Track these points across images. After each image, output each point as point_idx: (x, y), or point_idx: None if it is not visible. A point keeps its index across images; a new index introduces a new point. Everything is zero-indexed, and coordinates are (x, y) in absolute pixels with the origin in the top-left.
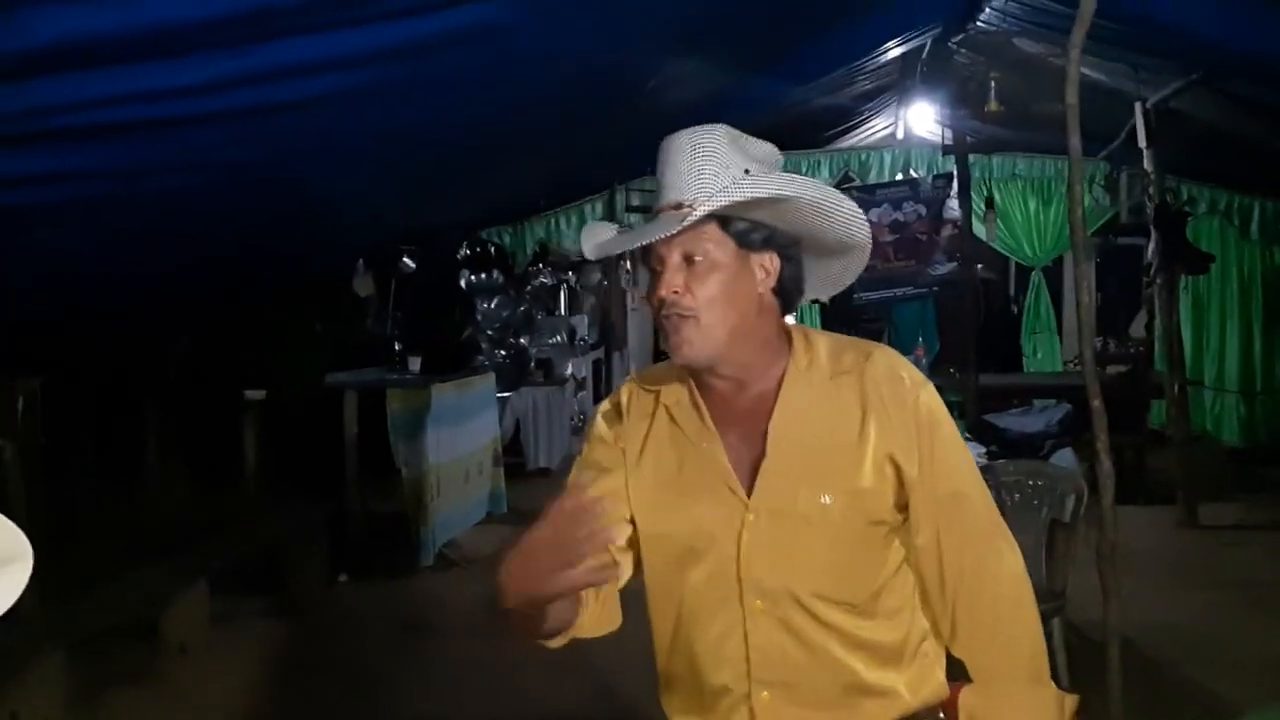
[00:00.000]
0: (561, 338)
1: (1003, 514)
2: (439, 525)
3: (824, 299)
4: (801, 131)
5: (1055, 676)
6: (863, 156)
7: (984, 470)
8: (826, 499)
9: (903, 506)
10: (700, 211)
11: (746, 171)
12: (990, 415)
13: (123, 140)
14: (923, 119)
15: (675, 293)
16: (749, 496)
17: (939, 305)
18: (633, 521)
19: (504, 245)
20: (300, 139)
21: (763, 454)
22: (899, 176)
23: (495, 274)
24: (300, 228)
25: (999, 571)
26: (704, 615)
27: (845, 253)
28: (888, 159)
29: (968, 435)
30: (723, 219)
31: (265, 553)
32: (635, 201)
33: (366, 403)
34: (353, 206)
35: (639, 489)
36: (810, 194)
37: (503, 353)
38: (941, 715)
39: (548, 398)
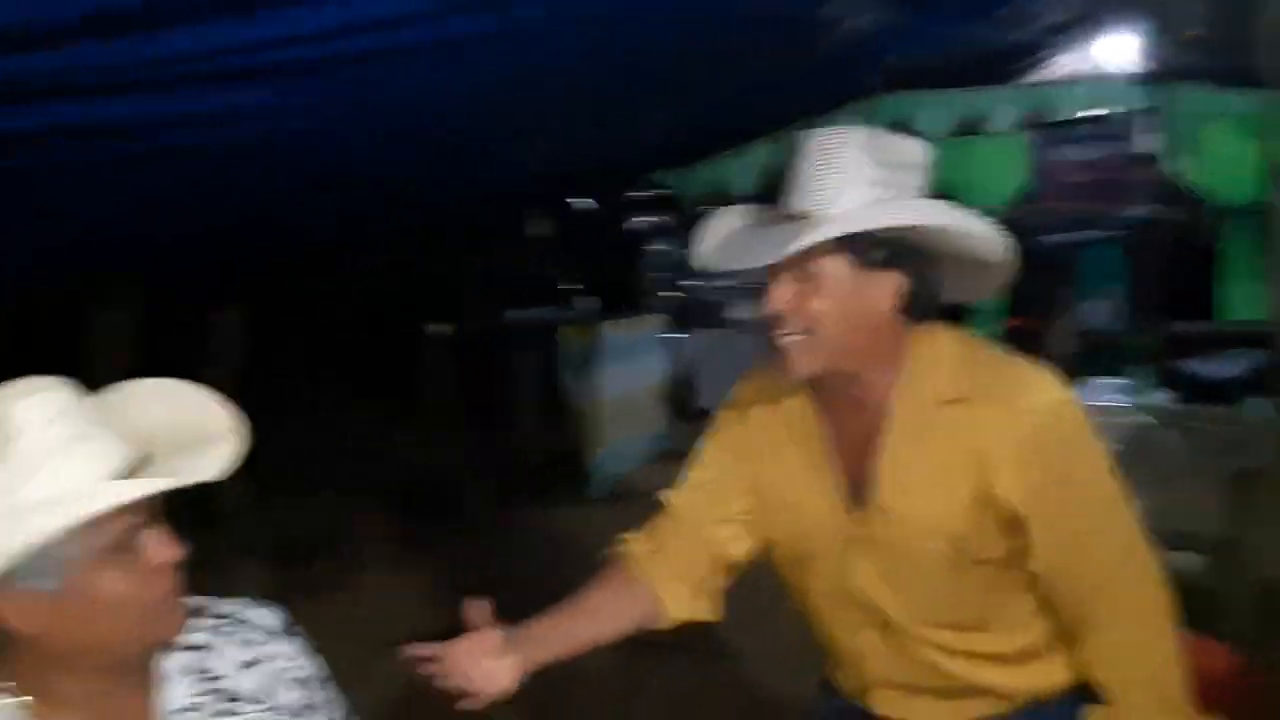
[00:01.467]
0: (732, 280)
1: (1190, 462)
2: (608, 459)
3: (972, 300)
4: (987, 66)
5: (1236, 630)
6: (1051, 92)
7: (1172, 417)
8: (932, 544)
9: (1018, 539)
10: (812, 238)
11: (878, 184)
12: (1180, 361)
13: (306, 78)
14: (1117, 51)
15: (784, 306)
16: (855, 521)
17: (1130, 249)
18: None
19: (673, 188)
20: (471, 79)
21: (869, 479)
22: (1090, 113)
23: (665, 216)
24: (477, 173)
25: (1136, 598)
26: (824, 615)
27: (985, 268)
28: (1079, 94)
29: (1156, 383)
30: (841, 236)
31: (443, 478)
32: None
33: (541, 340)
34: (527, 150)
35: (755, 490)
36: (938, 219)
37: (672, 295)
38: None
39: (717, 340)
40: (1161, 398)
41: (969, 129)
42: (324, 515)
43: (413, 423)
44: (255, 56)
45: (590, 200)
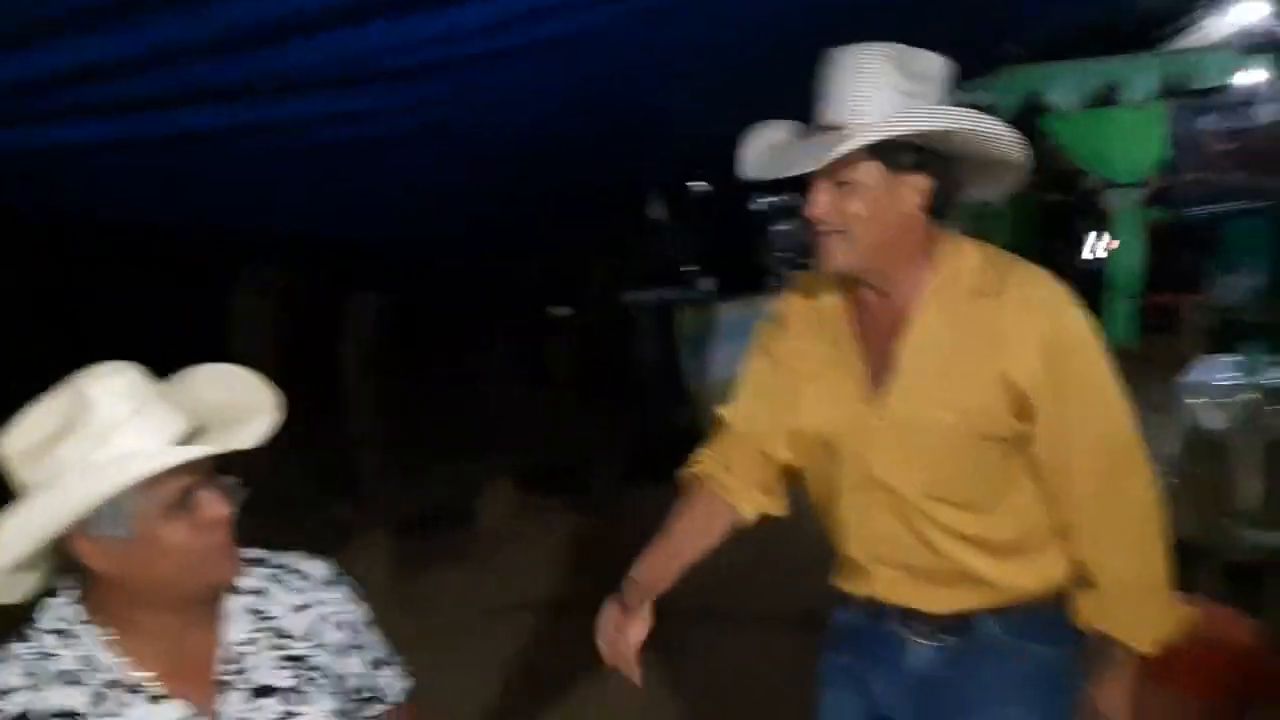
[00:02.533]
0: None
1: None
2: None
3: (991, 199)
4: (1123, 35)
5: None
6: (1191, 60)
7: None
8: (943, 416)
9: (1024, 424)
10: (848, 146)
11: (905, 94)
12: None
13: (444, 76)
14: (1259, 16)
15: (823, 212)
16: (877, 405)
17: (1278, 221)
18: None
19: None
20: (597, 66)
21: (894, 367)
22: (1232, 81)
23: (790, 196)
24: (598, 156)
25: (1126, 489)
26: (839, 498)
27: (1005, 167)
28: (1220, 62)
29: None
30: (873, 144)
31: (569, 455)
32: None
33: (661, 320)
34: (648, 133)
35: (792, 387)
36: (963, 124)
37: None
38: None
39: None
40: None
41: (1105, 100)
42: (454, 488)
43: (539, 401)
44: (403, 57)
45: (712, 181)
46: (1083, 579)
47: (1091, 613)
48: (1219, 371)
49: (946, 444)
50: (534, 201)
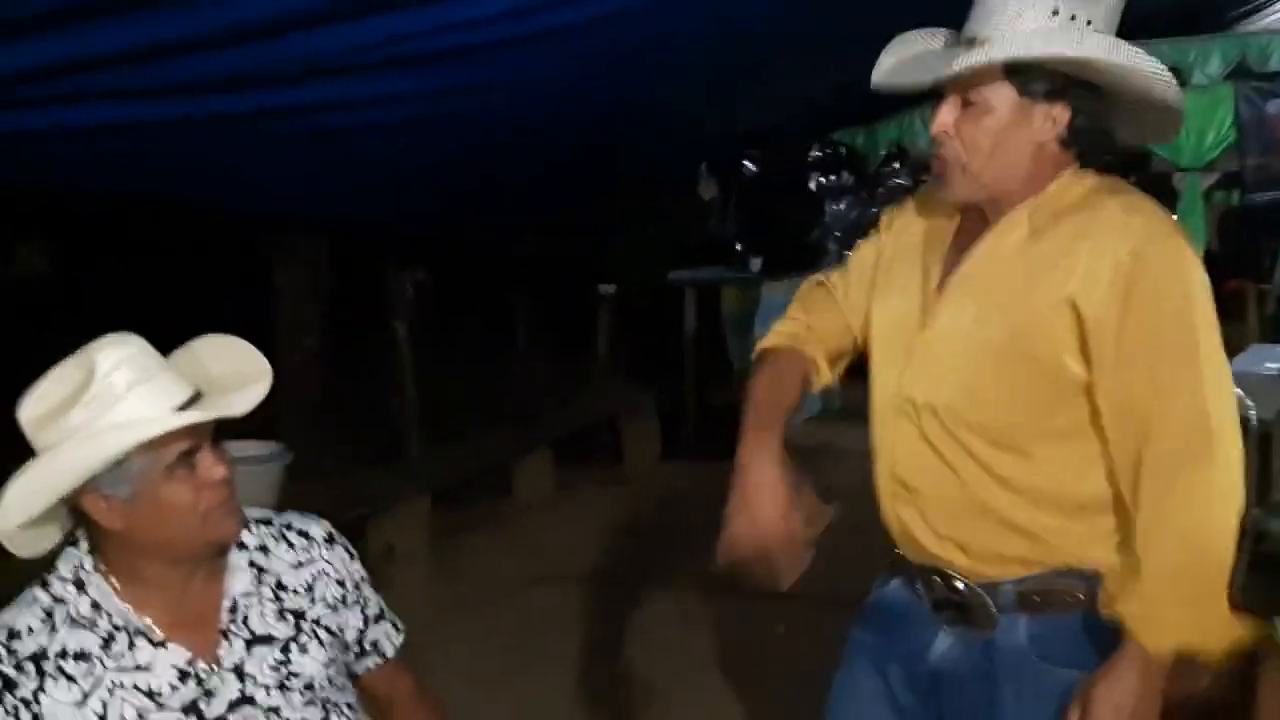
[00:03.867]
0: None
1: None
2: None
3: (1146, 143)
4: (1193, 13)
5: None
6: (1262, 41)
7: None
8: (989, 334)
9: (1074, 360)
10: (970, 61)
11: (1055, 13)
12: None
13: (474, 60)
14: None
15: (944, 132)
16: (929, 312)
17: None
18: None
19: (856, 146)
20: (641, 47)
21: (957, 275)
22: None
23: (845, 175)
24: (646, 135)
25: (1196, 481)
26: (879, 409)
27: (1157, 108)
28: None
29: None
30: (1008, 65)
31: (606, 428)
32: None
33: (705, 299)
34: (696, 111)
35: (879, 280)
36: (1110, 56)
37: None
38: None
39: None
40: None
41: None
42: (492, 460)
43: (582, 376)
44: (445, 38)
45: (765, 160)
46: (1125, 562)
47: (1118, 598)
48: (1268, 359)
49: (988, 365)
50: (578, 179)
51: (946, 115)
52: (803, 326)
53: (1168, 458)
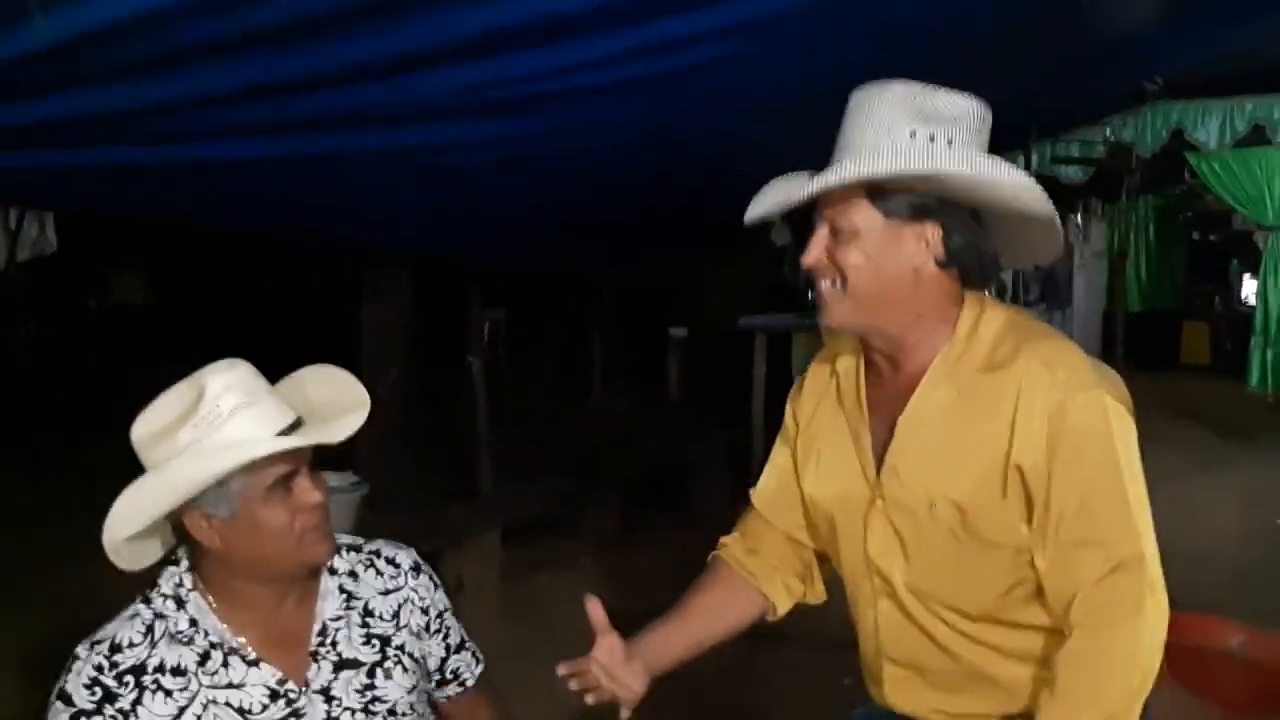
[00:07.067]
0: (989, 292)
1: None
2: None
3: (1029, 268)
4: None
5: None
6: None
7: None
8: (935, 506)
9: (1030, 529)
10: (818, 185)
11: (913, 135)
12: None
13: (582, 101)
14: None
15: (813, 259)
16: (874, 484)
17: None
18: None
19: None
20: (716, 98)
21: (891, 443)
22: None
23: None
24: (721, 183)
25: (1110, 643)
26: (851, 584)
27: (1034, 225)
28: None
29: None
30: (870, 187)
31: (675, 471)
32: (1062, 153)
33: (775, 345)
34: (777, 156)
35: (803, 459)
36: (962, 169)
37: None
38: None
39: None
40: None
41: (1253, 139)
42: (564, 498)
43: (653, 418)
44: (530, 86)
45: None
46: (1044, 677)
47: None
48: None
49: (948, 546)
50: (654, 226)
51: (817, 245)
52: (745, 551)
53: (1091, 614)
